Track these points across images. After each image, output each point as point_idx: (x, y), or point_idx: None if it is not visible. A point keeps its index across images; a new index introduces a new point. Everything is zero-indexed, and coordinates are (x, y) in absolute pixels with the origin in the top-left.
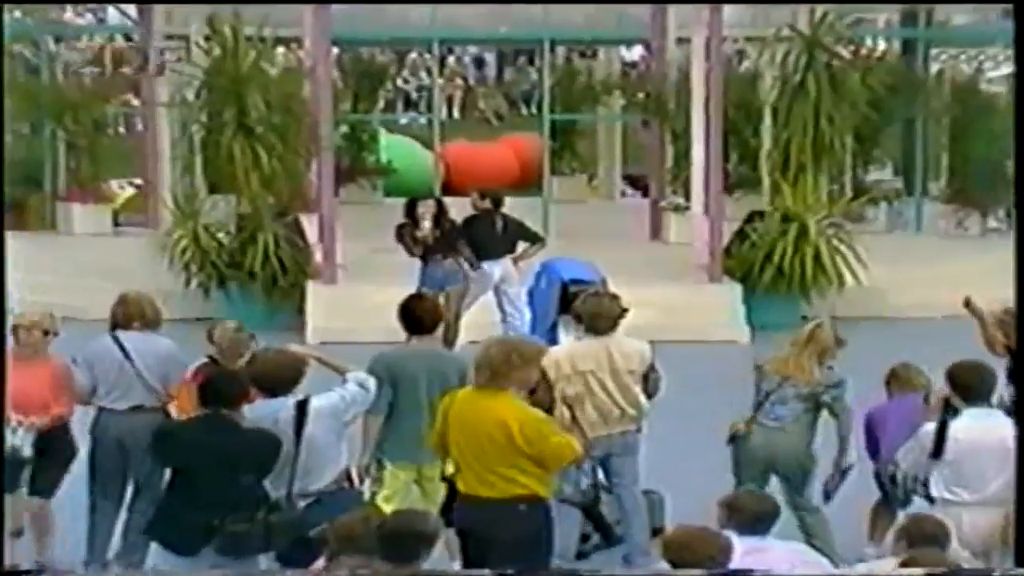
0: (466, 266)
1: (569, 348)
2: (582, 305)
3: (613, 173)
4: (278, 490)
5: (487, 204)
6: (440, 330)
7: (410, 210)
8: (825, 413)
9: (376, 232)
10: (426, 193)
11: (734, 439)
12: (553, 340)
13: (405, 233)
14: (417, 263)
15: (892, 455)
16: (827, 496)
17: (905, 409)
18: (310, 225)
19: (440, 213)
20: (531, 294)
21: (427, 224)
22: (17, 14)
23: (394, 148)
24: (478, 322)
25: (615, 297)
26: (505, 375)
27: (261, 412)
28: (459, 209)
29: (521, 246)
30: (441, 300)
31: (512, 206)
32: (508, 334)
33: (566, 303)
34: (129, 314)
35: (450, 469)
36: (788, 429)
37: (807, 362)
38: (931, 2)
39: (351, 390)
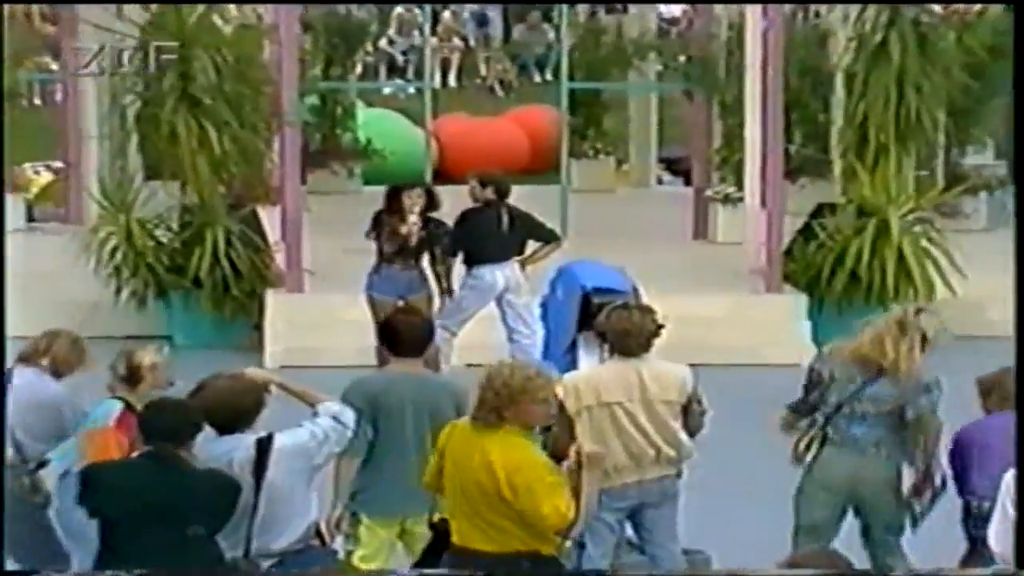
0: (432, 276)
1: (592, 374)
2: (608, 320)
3: (647, 155)
4: (234, 548)
5: (489, 194)
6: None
7: (392, 199)
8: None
9: (352, 229)
10: (414, 180)
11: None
12: (572, 363)
13: (383, 224)
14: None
15: (986, 487)
16: (913, 523)
17: (1006, 428)
18: (271, 220)
19: (430, 206)
20: (544, 306)
21: (412, 219)
22: None
23: (375, 124)
24: (478, 341)
25: (649, 310)
26: (498, 410)
27: (212, 452)
28: (456, 199)
29: (532, 246)
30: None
31: (521, 196)
32: (514, 357)
33: (588, 317)
34: (38, 349)
35: (443, 515)
36: (870, 452)
37: (904, 353)
38: (931, 1)
39: (323, 425)
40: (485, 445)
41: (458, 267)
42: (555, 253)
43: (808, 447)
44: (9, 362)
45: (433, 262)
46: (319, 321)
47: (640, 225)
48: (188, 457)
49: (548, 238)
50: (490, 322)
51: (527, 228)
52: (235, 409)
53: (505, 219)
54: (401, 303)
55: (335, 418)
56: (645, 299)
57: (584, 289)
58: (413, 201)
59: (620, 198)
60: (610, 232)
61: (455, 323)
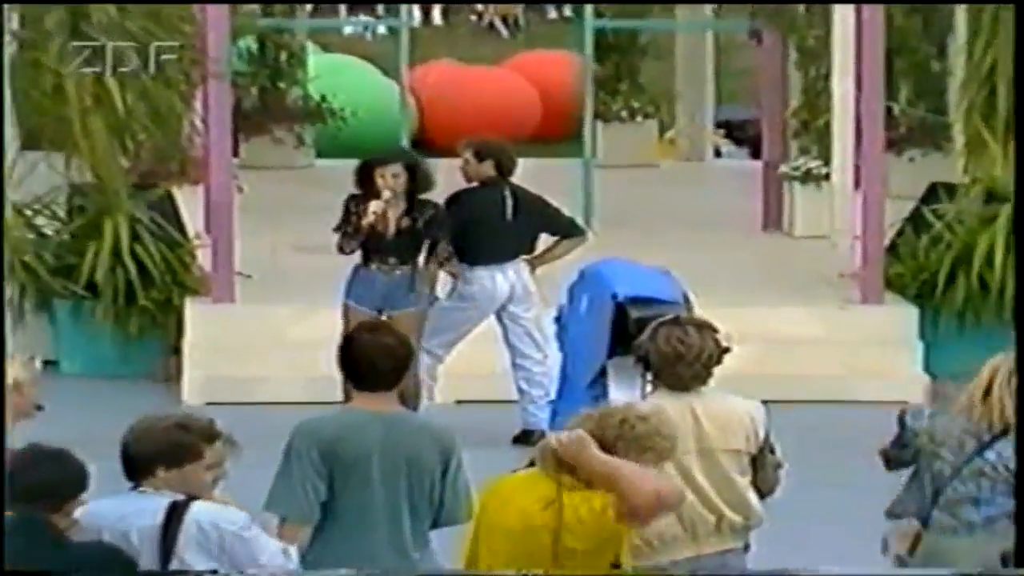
0: (440, 283)
1: None
2: (652, 340)
3: (701, 118)
4: None
5: (488, 170)
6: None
7: (363, 179)
8: None
9: (302, 216)
10: (393, 152)
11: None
12: (599, 399)
13: (351, 212)
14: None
15: None
16: None
17: None
18: (191, 205)
19: (415, 186)
20: (561, 322)
21: (375, 206)
22: None
23: (333, 76)
24: (473, 369)
25: (708, 327)
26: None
27: (105, 515)
28: (442, 177)
29: (545, 242)
30: None
31: (531, 173)
32: (521, 390)
33: (622, 337)
34: None
35: None
36: (980, 533)
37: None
38: (932, 2)
39: (271, 540)
40: (533, 491)
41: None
42: (577, 250)
43: (915, 544)
44: None
45: (429, 260)
46: (257, 342)
47: (691, 212)
48: (66, 525)
49: (567, 230)
50: (488, 343)
51: (538, 217)
52: (138, 445)
53: (509, 204)
54: (379, 316)
55: (284, 550)
56: (700, 312)
57: (617, 299)
58: (387, 181)
59: (664, 175)
60: (651, 222)
61: (442, 344)
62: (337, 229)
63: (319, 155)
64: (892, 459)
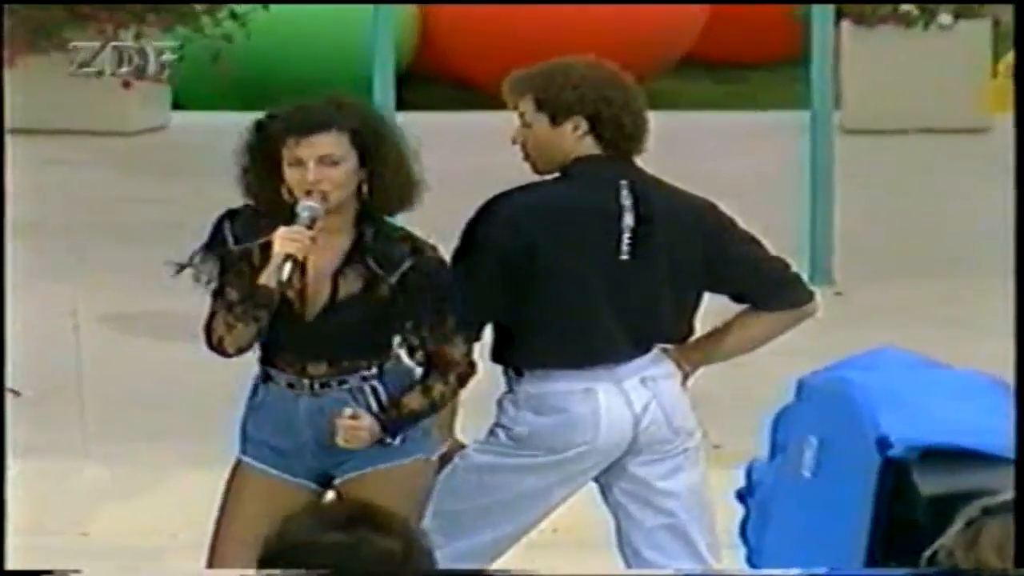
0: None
1: None
2: (971, 548)
3: None
4: None
5: (577, 142)
6: None
7: (264, 158)
8: None
9: (148, 246)
10: (324, 101)
11: None
12: None
13: (232, 255)
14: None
15: None
16: None
17: None
18: None
19: (373, 188)
20: (756, 500)
21: (287, 239)
22: None
23: None
24: None
25: None
26: None
27: None
28: (461, 153)
29: (718, 313)
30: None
31: (683, 145)
32: None
33: (901, 534)
34: None
35: None
36: None
37: None
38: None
39: None
40: None
41: (481, 368)
42: (790, 333)
43: None
44: None
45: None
46: (44, 545)
47: None
48: None
49: (771, 288)
50: (578, 543)
51: (700, 254)
52: None
53: (627, 223)
54: (320, 492)
55: None
56: None
57: (889, 449)
58: (307, 177)
59: (1004, 151)
60: (967, 264)
61: (474, 549)
62: (217, 294)
63: (179, 103)
64: None
